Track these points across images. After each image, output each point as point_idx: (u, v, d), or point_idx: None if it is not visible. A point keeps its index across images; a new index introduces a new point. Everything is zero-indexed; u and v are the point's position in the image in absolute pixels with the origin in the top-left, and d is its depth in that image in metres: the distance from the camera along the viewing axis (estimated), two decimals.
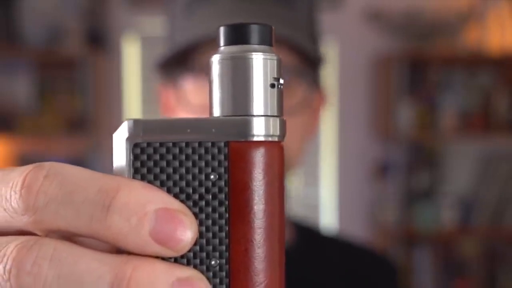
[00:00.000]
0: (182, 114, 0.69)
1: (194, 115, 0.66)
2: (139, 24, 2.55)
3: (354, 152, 2.62)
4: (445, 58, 2.51)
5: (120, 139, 0.24)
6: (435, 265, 2.55)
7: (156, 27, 2.43)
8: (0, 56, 2.45)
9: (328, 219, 2.67)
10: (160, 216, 0.22)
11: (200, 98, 0.66)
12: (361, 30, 2.59)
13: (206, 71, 0.68)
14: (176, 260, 0.23)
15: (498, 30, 2.55)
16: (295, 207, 2.30)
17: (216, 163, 0.24)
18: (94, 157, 2.45)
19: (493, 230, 2.56)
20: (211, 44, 0.64)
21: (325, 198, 2.69)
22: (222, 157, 0.24)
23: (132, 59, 2.58)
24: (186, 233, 0.22)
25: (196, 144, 0.24)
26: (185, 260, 0.23)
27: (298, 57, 0.67)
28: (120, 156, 0.24)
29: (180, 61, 0.68)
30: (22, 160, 2.48)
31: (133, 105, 2.59)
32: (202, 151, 0.24)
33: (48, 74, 2.49)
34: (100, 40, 2.50)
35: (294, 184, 2.56)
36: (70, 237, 0.23)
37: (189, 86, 0.68)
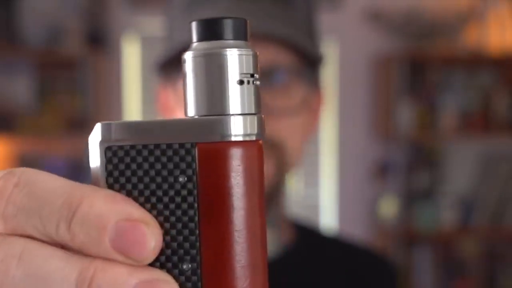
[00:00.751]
0: (181, 114, 0.69)
1: None
2: (139, 24, 2.55)
3: (354, 152, 2.62)
4: (445, 58, 2.51)
5: (94, 142, 0.24)
6: (435, 265, 2.55)
7: (156, 27, 2.43)
8: (0, 56, 2.45)
9: (328, 219, 2.67)
10: (120, 228, 0.22)
11: None
12: (361, 30, 2.59)
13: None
14: (150, 265, 0.23)
15: (498, 30, 2.55)
16: (295, 207, 2.30)
17: (184, 165, 0.23)
18: None
19: (493, 230, 2.56)
20: None
21: (325, 198, 2.69)
22: (190, 158, 0.23)
23: (132, 59, 2.58)
24: (148, 243, 0.22)
25: (165, 146, 0.23)
26: (158, 264, 0.23)
27: (297, 57, 0.67)
28: (94, 159, 0.24)
29: (179, 61, 0.68)
30: (22, 160, 2.48)
31: (133, 105, 2.59)
32: (171, 153, 0.23)
33: (48, 74, 2.49)
34: (100, 40, 2.50)
35: (294, 184, 2.56)
36: None
37: None
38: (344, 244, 0.87)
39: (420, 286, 2.53)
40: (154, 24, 2.46)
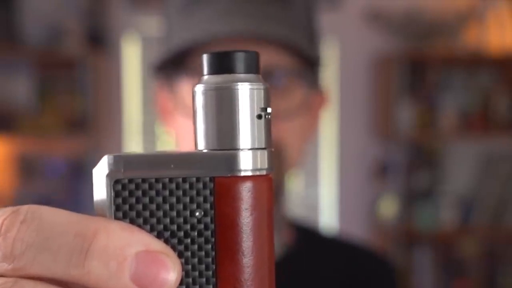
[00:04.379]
0: (179, 116, 0.69)
1: (191, 118, 0.65)
2: (139, 24, 2.55)
3: (354, 152, 2.62)
4: (445, 58, 2.51)
5: (100, 175, 0.23)
6: (435, 265, 2.55)
7: (156, 27, 2.43)
8: (0, 56, 2.45)
9: (328, 219, 2.67)
10: (141, 259, 0.21)
11: None
12: (361, 30, 2.58)
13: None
14: None
15: (498, 30, 2.55)
16: (295, 208, 2.30)
17: (201, 199, 0.23)
18: (94, 157, 2.45)
19: (493, 230, 2.56)
20: (209, 46, 0.64)
21: (325, 198, 2.69)
22: (207, 192, 0.23)
23: (132, 59, 2.58)
24: (170, 275, 0.21)
25: (180, 180, 0.23)
26: None
27: (296, 58, 0.67)
28: (100, 192, 0.23)
29: (177, 63, 0.67)
30: (22, 160, 2.48)
31: (133, 105, 2.59)
32: (187, 186, 0.23)
33: (48, 74, 2.49)
34: (100, 40, 2.50)
35: (294, 184, 2.56)
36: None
37: (187, 89, 0.67)
38: (344, 244, 0.87)
39: (420, 286, 2.53)
40: (154, 24, 2.46)
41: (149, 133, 2.59)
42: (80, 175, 2.45)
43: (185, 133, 0.68)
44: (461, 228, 2.53)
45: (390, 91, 2.49)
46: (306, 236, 0.81)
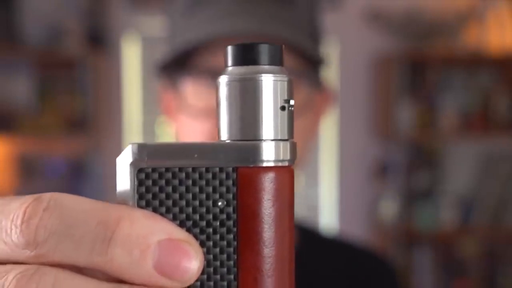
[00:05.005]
0: (183, 116, 0.69)
1: (194, 118, 0.65)
2: (139, 24, 2.55)
3: (354, 152, 2.62)
4: (445, 58, 2.51)
5: (124, 163, 0.23)
6: (435, 265, 2.55)
7: (156, 27, 2.43)
8: (0, 56, 2.45)
9: (328, 219, 2.67)
10: (164, 248, 0.21)
11: (201, 101, 0.66)
12: (361, 30, 2.59)
13: (206, 75, 0.67)
14: None
15: (498, 30, 2.55)
16: (295, 207, 2.29)
17: (224, 189, 0.23)
18: (94, 157, 2.45)
19: (493, 230, 2.56)
20: (212, 46, 0.64)
21: (325, 198, 2.69)
22: (230, 182, 0.23)
23: (132, 59, 2.58)
24: (192, 263, 0.22)
25: (204, 169, 0.23)
26: None
27: (299, 58, 0.67)
28: (124, 181, 0.23)
29: (180, 63, 0.67)
30: (22, 160, 2.48)
31: (133, 105, 2.59)
32: (210, 176, 0.23)
33: (48, 74, 2.49)
34: (100, 40, 2.50)
35: (294, 184, 2.56)
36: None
37: (190, 89, 0.67)
38: (344, 245, 0.87)
39: (420, 286, 2.53)
40: (154, 24, 2.46)
41: (149, 133, 2.59)
42: (80, 175, 2.45)
43: (188, 132, 0.68)
44: (461, 228, 2.53)
45: (390, 91, 2.49)
46: (308, 237, 0.81)
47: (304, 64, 0.68)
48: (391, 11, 2.56)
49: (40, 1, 2.46)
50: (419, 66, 2.50)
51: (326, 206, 2.69)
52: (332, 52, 2.55)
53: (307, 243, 0.79)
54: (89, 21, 2.48)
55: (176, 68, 0.68)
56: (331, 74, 2.55)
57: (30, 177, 2.48)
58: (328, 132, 2.63)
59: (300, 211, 2.48)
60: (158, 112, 2.37)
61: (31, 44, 2.41)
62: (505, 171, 2.61)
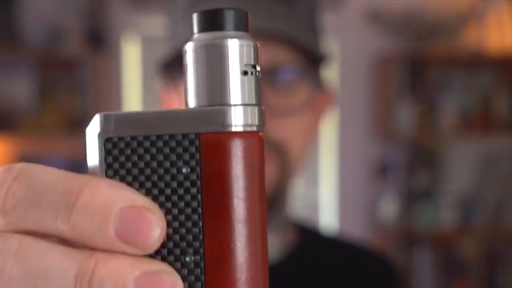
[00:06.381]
0: None
1: None
2: (139, 24, 2.55)
3: (354, 152, 2.63)
4: (445, 58, 2.51)
5: (92, 134, 0.23)
6: (435, 265, 2.55)
7: (156, 27, 2.43)
8: (0, 56, 2.45)
9: (328, 219, 2.67)
10: (125, 215, 0.21)
11: None
12: (362, 30, 2.59)
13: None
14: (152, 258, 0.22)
15: (498, 30, 2.55)
16: (295, 207, 2.29)
17: (187, 156, 0.23)
18: None
19: (493, 230, 2.56)
20: None
21: (325, 198, 2.69)
22: (193, 149, 0.23)
23: (132, 59, 2.58)
24: (153, 230, 0.22)
25: (167, 137, 0.23)
26: (159, 257, 0.22)
27: (301, 56, 0.67)
28: (93, 151, 0.23)
29: (181, 62, 0.67)
30: (22, 160, 2.48)
31: (133, 105, 2.59)
32: (174, 144, 0.23)
33: (48, 74, 2.49)
34: (100, 40, 2.50)
35: (295, 184, 2.56)
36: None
37: None
38: (345, 244, 0.87)
39: (420, 286, 2.53)
40: (154, 24, 2.46)
41: None
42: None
43: None
44: (461, 228, 2.53)
45: (390, 91, 2.49)
46: (309, 237, 0.81)
47: (307, 63, 0.68)
48: (391, 11, 2.56)
49: (40, 1, 2.46)
50: (419, 66, 2.50)
51: (326, 206, 2.69)
52: (332, 52, 2.55)
53: (307, 242, 0.79)
54: (89, 21, 2.48)
55: (177, 67, 0.68)
56: (331, 74, 2.55)
57: None
58: (328, 132, 2.63)
59: (300, 211, 2.49)
60: None
61: (31, 44, 2.41)
62: (505, 171, 2.61)
